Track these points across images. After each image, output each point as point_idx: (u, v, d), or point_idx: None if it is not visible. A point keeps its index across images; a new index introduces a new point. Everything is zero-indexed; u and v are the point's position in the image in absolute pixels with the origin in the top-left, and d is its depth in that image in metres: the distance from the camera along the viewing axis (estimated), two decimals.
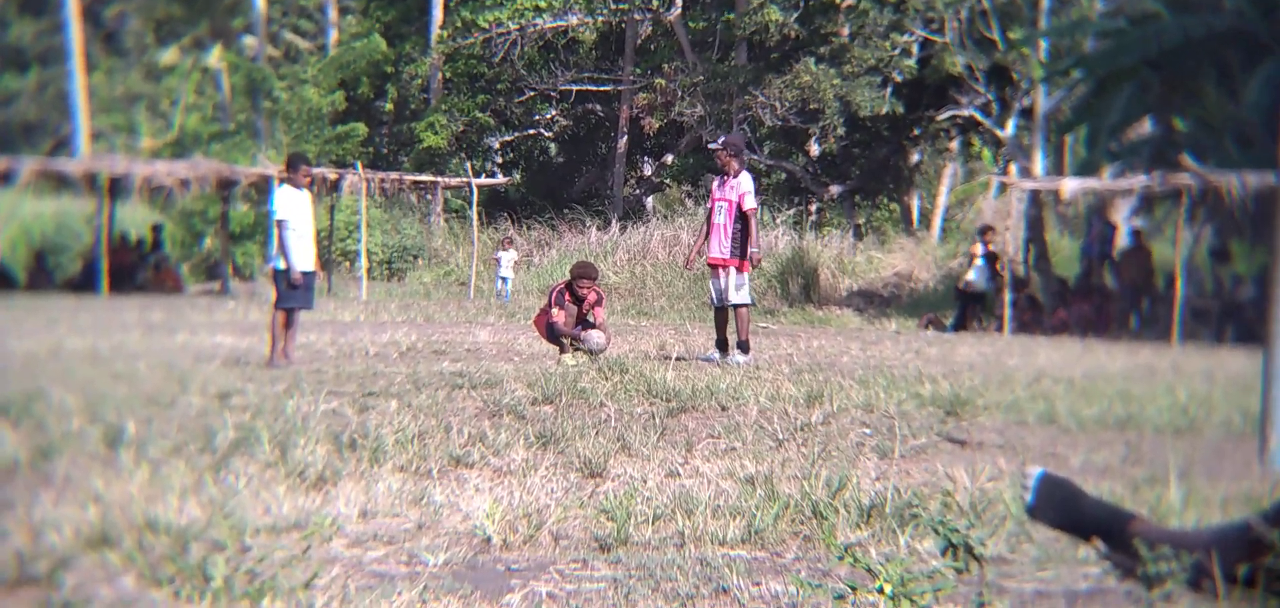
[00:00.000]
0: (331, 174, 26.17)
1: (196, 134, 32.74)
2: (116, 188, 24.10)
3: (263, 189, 25.74)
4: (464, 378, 8.70)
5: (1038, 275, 22.77)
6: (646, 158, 36.01)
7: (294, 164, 10.85)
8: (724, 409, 7.23)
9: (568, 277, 11.39)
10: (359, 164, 28.36)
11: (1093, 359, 13.02)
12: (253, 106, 35.68)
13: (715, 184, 11.75)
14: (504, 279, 25.01)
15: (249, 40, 42.96)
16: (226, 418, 6.10)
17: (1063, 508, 3.60)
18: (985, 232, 20.89)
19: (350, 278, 27.57)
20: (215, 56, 38.58)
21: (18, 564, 3.64)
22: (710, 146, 12.00)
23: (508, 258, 25.27)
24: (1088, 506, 3.63)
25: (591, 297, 11.05)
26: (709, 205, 11.70)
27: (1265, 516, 3.16)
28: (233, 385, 7.91)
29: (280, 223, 10.43)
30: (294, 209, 10.47)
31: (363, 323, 16.57)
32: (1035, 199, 23.03)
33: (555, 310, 11.02)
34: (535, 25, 30.49)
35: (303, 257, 10.48)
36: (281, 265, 10.42)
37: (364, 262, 26.29)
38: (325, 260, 28.56)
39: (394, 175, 28.45)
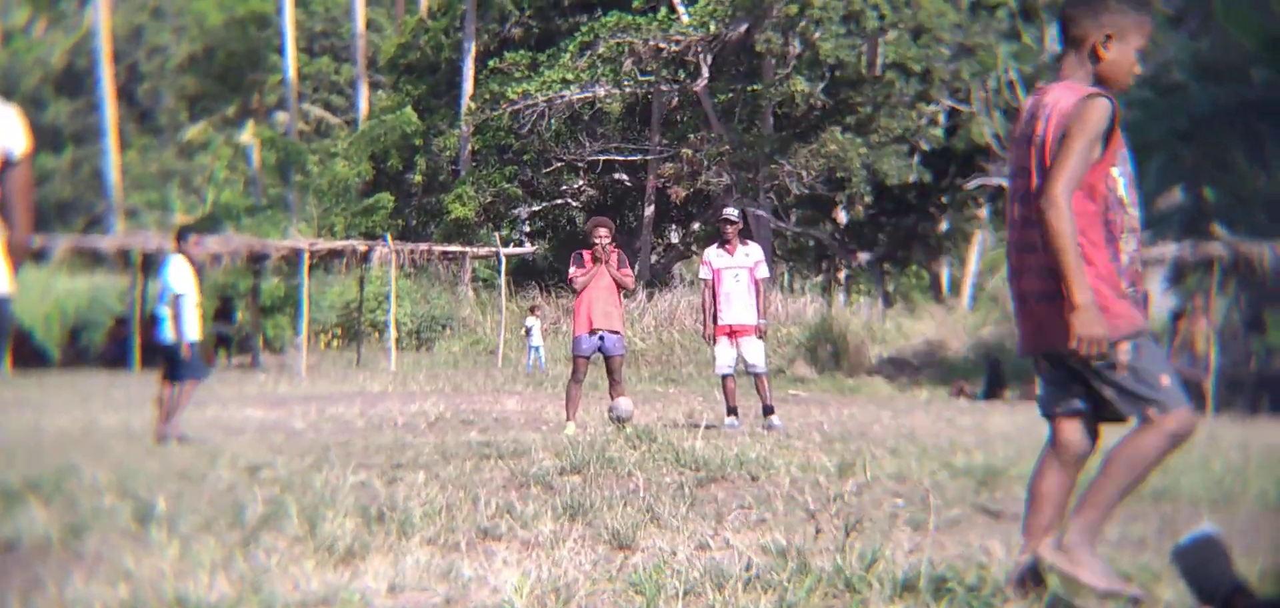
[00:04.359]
0: (361, 246, 26.41)
1: (229, 208, 33.15)
2: (149, 264, 24.38)
3: (293, 262, 26.01)
4: (491, 448, 8.68)
5: None
6: (674, 226, 36.15)
7: (184, 236, 10.97)
8: (754, 479, 7.16)
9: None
10: (388, 236, 28.60)
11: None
12: (283, 181, 36.13)
13: (714, 253, 11.69)
14: (535, 348, 24.87)
15: (280, 116, 43.61)
16: (256, 492, 6.10)
17: (1204, 567, 3.63)
18: None
19: (379, 349, 27.70)
20: (248, 132, 39.15)
21: None
22: (726, 215, 11.95)
23: (536, 325, 25.21)
24: (1224, 573, 3.64)
25: (605, 238, 10.75)
26: (712, 273, 11.62)
27: None
28: (262, 459, 7.91)
29: (179, 297, 10.46)
30: (189, 282, 10.57)
31: (391, 393, 16.62)
32: None
33: (573, 270, 10.85)
34: (562, 97, 30.80)
35: (194, 328, 10.55)
36: (186, 336, 10.42)
37: (393, 332, 26.41)
38: (355, 331, 28.75)
39: (423, 246, 28.67)
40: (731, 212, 11.96)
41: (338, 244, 26.69)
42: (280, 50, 41.13)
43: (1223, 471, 8.25)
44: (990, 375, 20.37)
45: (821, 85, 28.97)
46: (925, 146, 29.25)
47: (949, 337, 26.85)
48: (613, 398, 10.68)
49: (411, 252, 27.85)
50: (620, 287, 10.91)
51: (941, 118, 29.56)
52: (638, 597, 4.11)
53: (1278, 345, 19.44)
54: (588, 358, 10.77)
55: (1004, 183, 28.52)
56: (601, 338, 10.67)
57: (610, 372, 10.79)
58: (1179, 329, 19.63)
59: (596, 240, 10.78)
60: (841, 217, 32.08)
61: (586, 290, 10.72)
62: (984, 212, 33.27)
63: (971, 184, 29.73)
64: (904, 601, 4.14)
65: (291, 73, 40.19)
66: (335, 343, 30.42)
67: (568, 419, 10.61)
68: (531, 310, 26.29)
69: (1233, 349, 19.76)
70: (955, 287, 34.95)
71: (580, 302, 10.75)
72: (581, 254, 10.90)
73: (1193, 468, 8.43)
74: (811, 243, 32.75)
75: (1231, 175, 19.40)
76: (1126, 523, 6.16)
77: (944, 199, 31.30)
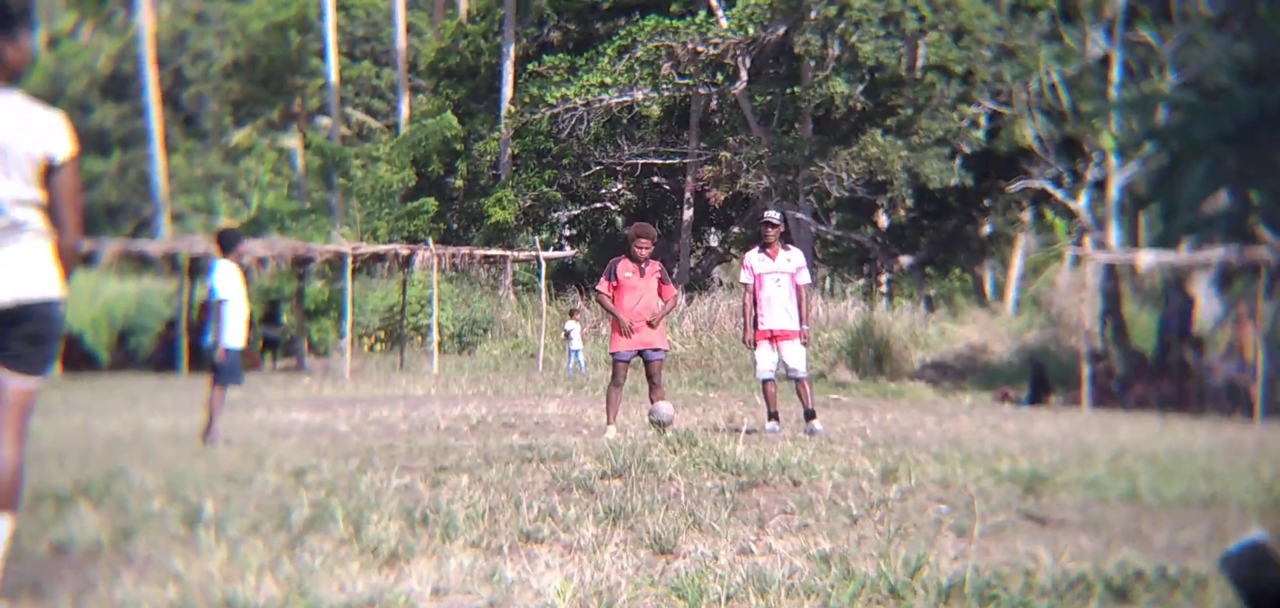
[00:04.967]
0: (403, 250, 26.57)
1: (273, 212, 33.47)
2: (196, 268, 24.65)
3: (337, 266, 26.22)
4: (533, 451, 8.70)
5: (1115, 349, 22.36)
6: (712, 229, 36.09)
7: (225, 238, 10.96)
8: (796, 485, 7.13)
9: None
10: (430, 240, 28.78)
11: (1174, 436, 12.71)
12: (326, 185, 36.43)
13: (756, 257, 11.57)
14: (575, 352, 24.94)
15: (323, 120, 43.98)
16: (302, 495, 6.16)
17: (1252, 574, 3.58)
18: None
19: (422, 352, 27.86)
20: (292, 137, 39.53)
21: None
22: (767, 218, 11.83)
23: (576, 329, 25.26)
24: (1273, 579, 3.59)
25: (646, 249, 10.63)
26: (753, 278, 11.52)
27: None
28: (308, 462, 7.98)
29: (221, 303, 10.48)
30: (235, 288, 10.57)
31: (434, 397, 16.71)
32: (1111, 272, 22.71)
33: (603, 284, 10.70)
34: (601, 101, 30.83)
35: (235, 334, 10.55)
36: (223, 342, 10.43)
37: (435, 335, 26.55)
38: (397, 335, 28.93)
39: (464, 250, 28.80)
40: (773, 215, 11.84)
41: (380, 248, 26.88)
42: (322, 55, 41.48)
43: (1272, 477, 8.14)
44: (1034, 380, 20.19)
45: (861, 87, 28.82)
46: (966, 149, 29.03)
47: (992, 341, 26.64)
48: (652, 402, 10.61)
49: (452, 255, 27.99)
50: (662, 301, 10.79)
51: (983, 120, 29.32)
52: (680, 601, 4.12)
53: None
54: (628, 363, 10.71)
55: (1047, 187, 28.24)
56: (645, 353, 10.63)
57: (650, 376, 10.71)
58: (1226, 334, 19.38)
59: (637, 249, 10.69)
60: (882, 220, 31.89)
61: (625, 301, 10.63)
62: (1027, 215, 32.94)
63: (1014, 187, 29.46)
64: (949, 607, 4.12)
65: (334, 77, 40.52)
66: (378, 346, 30.64)
67: (608, 423, 10.57)
68: (571, 314, 26.32)
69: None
70: (999, 290, 34.65)
71: (619, 301, 10.65)
72: (615, 266, 10.77)
73: (1241, 474, 8.32)
74: (852, 246, 32.57)
75: (1277, 179, 19.11)
76: (1174, 531, 6.10)
77: (986, 202, 31.04)
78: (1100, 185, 27.47)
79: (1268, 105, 17.90)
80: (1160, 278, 20.75)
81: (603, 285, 10.82)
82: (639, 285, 10.66)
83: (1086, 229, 28.37)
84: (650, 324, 10.63)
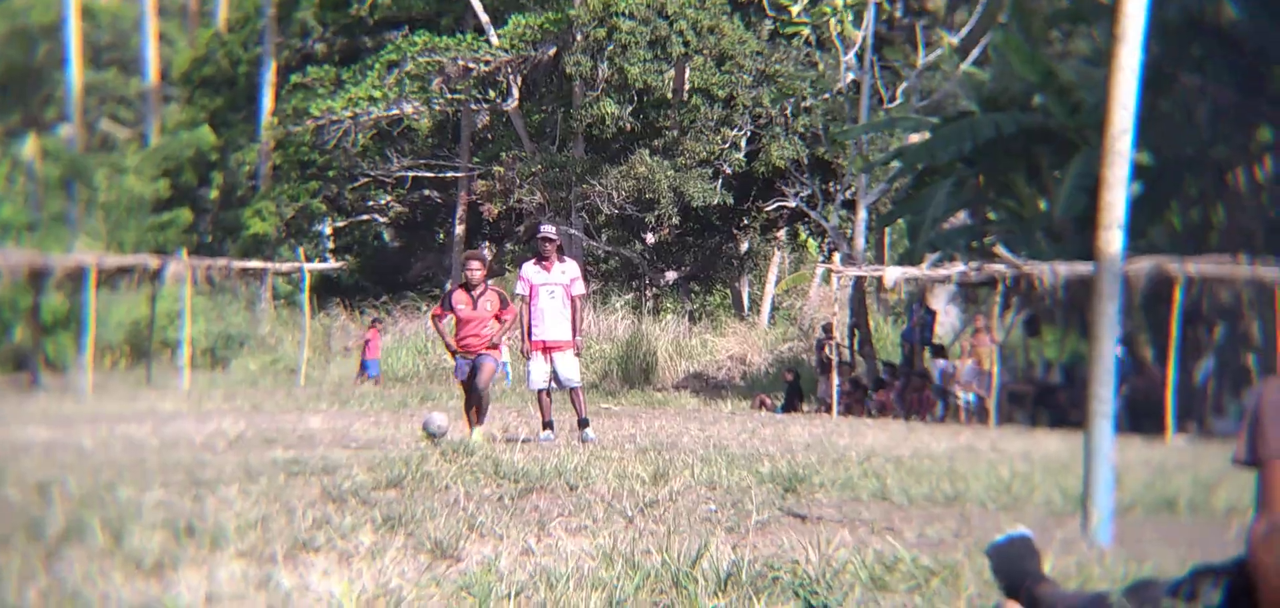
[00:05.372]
0: (153, 262, 25.29)
1: (8, 224, 31.17)
2: None
3: (77, 279, 24.68)
4: (300, 465, 8.45)
5: (862, 360, 23.56)
6: (486, 243, 35.93)
7: None
8: (573, 489, 7.23)
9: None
10: (183, 251, 27.52)
11: (918, 439, 13.51)
12: (67, 196, 34.29)
13: (531, 269, 11.77)
14: (371, 362, 25.15)
15: (64, 129, 41.39)
16: (53, 509, 5.80)
17: (1016, 563, 3.83)
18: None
19: (170, 368, 26.56)
20: (29, 146, 36.96)
21: None
22: (544, 232, 12.09)
23: (375, 340, 25.68)
24: (1032, 570, 3.84)
25: (478, 275, 11.17)
26: (528, 289, 11.67)
27: (1126, 592, 3.32)
28: (52, 477, 7.51)
29: None
30: None
31: (186, 414, 15.93)
32: (859, 286, 23.91)
33: (438, 310, 11.45)
34: (369, 114, 30.22)
35: None
36: None
37: (186, 351, 25.36)
38: (144, 350, 27.45)
39: (222, 262, 27.66)
40: (549, 229, 12.06)
41: (127, 260, 25.49)
42: (63, 62, 39.13)
43: (1010, 477, 8.78)
44: (789, 390, 21.08)
45: (630, 109, 29.32)
46: (728, 170, 29.97)
47: (750, 352, 27.65)
48: (480, 398, 11.09)
49: (207, 268, 26.80)
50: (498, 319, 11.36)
51: (743, 142, 30.31)
52: (469, 599, 4.12)
53: (1054, 361, 20.78)
54: (465, 379, 11.24)
55: (802, 206, 29.46)
56: (475, 359, 11.16)
57: (475, 373, 11.11)
58: (964, 346, 20.73)
59: (469, 274, 11.21)
60: (650, 237, 32.51)
61: (461, 331, 11.19)
62: (782, 233, 34.19)
63: (770, 206, 30.57)
64: (727, 595, 4.27)
65: (76, 85, 38.23)
66: (122, 362, 29.02)
67: (468, 431, 11.04)
68: (372, 325, 26.44)
69: (1014, 364, 20.97)
70: (756, 305, 35.84)
71: (457, 330, 11.26)
72: (450, 296, 11.40)
73: (981, 474, 8.94)
74: (622, 262, 33.13)
75: (1013, 199, 20.54)
76: (923, 525, 6.51)
77: (745, 221, 32.13)
78: (850, 204, 28.80)
79: (1005, 128, 19.21)
80: (904, 292, 21.98)
81: (437, 310, 11.57)
82: (473, 315, 11.17)
83: (836, 246, 29.69)
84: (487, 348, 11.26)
